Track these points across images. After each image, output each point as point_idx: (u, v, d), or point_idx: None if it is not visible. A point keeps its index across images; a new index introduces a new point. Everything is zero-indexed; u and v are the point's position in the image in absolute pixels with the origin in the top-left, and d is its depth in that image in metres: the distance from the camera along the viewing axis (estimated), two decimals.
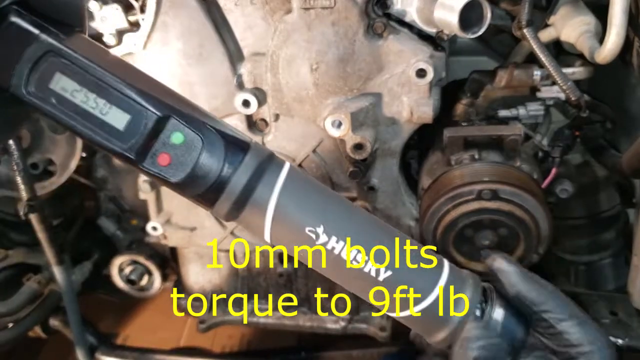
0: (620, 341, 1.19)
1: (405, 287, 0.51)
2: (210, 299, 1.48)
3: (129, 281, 1.53)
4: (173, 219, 1.36)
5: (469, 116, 1.19)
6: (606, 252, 1.39)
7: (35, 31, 0.48)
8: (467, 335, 0.49)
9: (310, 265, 0.53)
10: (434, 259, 0.53)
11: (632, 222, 1.36)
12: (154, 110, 0.49)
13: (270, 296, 1.45)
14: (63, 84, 0.48)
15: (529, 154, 1.18)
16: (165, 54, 1.15)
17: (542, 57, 1.06)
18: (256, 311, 1.47)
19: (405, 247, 0.52)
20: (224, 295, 1.48)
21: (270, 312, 1.47)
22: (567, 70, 1.12)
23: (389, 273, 0.50)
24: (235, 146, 0.50)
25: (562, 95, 1.13)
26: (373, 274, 0.50)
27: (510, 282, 0.52)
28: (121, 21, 1.12)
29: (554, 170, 1.13)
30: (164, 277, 1.56)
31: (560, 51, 1.23)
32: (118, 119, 0.49)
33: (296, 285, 1.43)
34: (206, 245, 1.39)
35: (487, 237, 1.07)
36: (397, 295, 0.51)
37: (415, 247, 0.53)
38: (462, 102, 1.20)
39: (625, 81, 1.18)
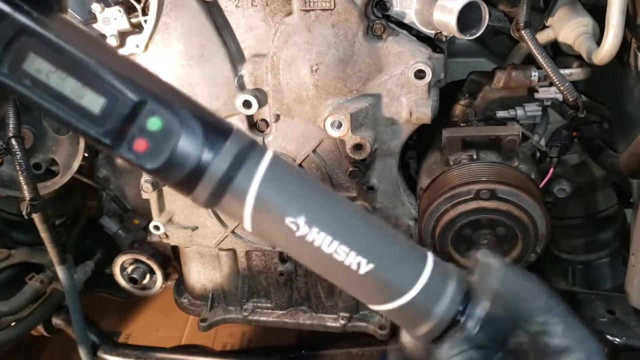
0: (617, 340, 1.20)
1: (387, 280, 0.50)
2: (211, 297, 1.49)
3: (131, 280, 1.54)
4: (175, 218, 1.37)
5: (467, 117, 1.20)
6: (604, 252, 1.39)
7: (7, 9, 0.45)
8: (452, 336, 0.49)
9: (292, 256, 0.52)
10: (418, 252, 0.52)
11: (629, 221, 1.37)
12: (130, 94, 0.47)
13: (270, 295, 1.46)
14: (37, 65, 0.46)
15: (526, 154, 1.19)
16: (167, 55, 1.16)
17: (540, 58, 1.07)
18: (257, 310, 1.48)
19: (388, 240, 0.52)
20: (225, 294, 1.49)
21: (270, 310, 1.48)
22: (565, 71, 1.13)
23: (371, 266, 0.49)
24: (215, 132, 0.48)
25: (559, 96, 1.14)
26: (354, 267, 0.49)
27: (498, 278, 0.51)
28: (123, 23, 1.13)
29: (551, 170, 1.13)
30: (166, 276, 1.57)
31: (558, 52, 1.24)
32: (93, 102, 0.47)
33: (296, 283, 1.44)
34: (208, 245, 1.40)
35: (485, 236, 1.08)
36: (379, 289, 0.50)
37: (399, 240, 0.52)
38: (461, 103, 1.21)
39: (622, 82, 1.19)
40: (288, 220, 0.48)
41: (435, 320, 0.50)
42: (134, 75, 0.48)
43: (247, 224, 0.49)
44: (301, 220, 0.48)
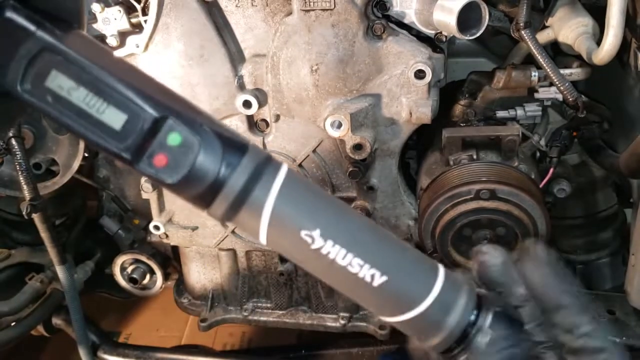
0: (617, 340, 1.20)
1: (400, 292, 0.51)
2: (211, 297, 1.49)
3: (131, 280, 1.54)
4: (175, 218, 1.37)
5: (467, 117, 1.20)
6: (603, 252, 1.40)
7: (32, 27, 0.46)
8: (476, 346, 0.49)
9: (306, 269, 0.53)
10: (429, 264, 0.53)
11: (629, 221, 1.37)
12: (151, 111, 0.47)
13: (270, 295, 1.46)
14: (59, 82, 0.47)
15: (526, 154, 1.19)
16: (167, 55, 1.16)
17: (540, 58, 1.07)
18: (257, 310, 1.48)
19: (401, 252, 0.52)
20: (225, 294, 1.49)
21: (270, 310, 1.48)
22: (565, 72, 1.13)
23: (384, 279, 0.50)
24: (233, 148, 0.49)
25: (559, 96, 1.14)
26: (368, 279, 0.50)
27: (531, 277, 0.51)
28: (123, 23, 1.13)
29: (551, 170, 1.14)
30: (166, 276, 1.57)
31: (557, 52, 1.24)
32: (115, 118, 0.47)
33: (296, 283, 1.44)
34: (208, 245, 1.40)
35: (485, 236, 1.08)
36: (392, 301, 0.51)
37: (411, 252, 0.53)
38: (461, 103, 1.21)
39: (622, 82, 1.19)
40: (303, 234, 0.49)
41: (447, 332, 0.50)
42: (154, 91, 0.49)
43: (263, 238, 0.50)
44: (316, 234, 0.49)
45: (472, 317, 0.51)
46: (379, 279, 0.50)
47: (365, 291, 0.50)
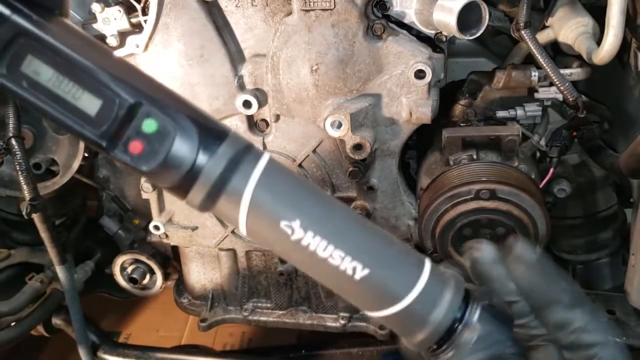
0: (617, 340, 1.19)
1: (383, 286, 0.49)
2: (211, 297, 1.49)
3: (131, 280, 1.54)
4: (175, 218, 1.37)
5: (467, 117, 1.20)
6: (603, 252, 1.40)
7: (6, 12, 0.46)
8: (461, 342, 0.49)
9: (287, 260, 0.51)
10: (415, 258, 0.51)
11: (629, 221, 1.37)
12: (126, 96, 0.47)
13: (270, 295, 1.46)
14: (35, 67, 0.47)
15: (526, 154, 1.19)
16: (167, 55, 1.16)
17: (540, 58, 1.07)
18: (257, 310, 1.48)
19: (385, 245, 0.51)
20: (225, 294, 1.49)
21: (270, 310, 1.48)
22: (565, 71, 1.13)
23: (367, 271, 0.48)
24: (211, 135, 0.48)
25: (559, 96, 1.14)
26: (350, 272, 0.48)
27: (531, 269, 0.50)
28: (123, 23, 1.13)
29: (551, 170, 1.13)
30: (166, 276, 1.57)
31: (558, 52, 1.24)
32: (90, 104, 0.47)
33: (296, 283, 1.44)
34: (208, 245, 1.40)
35: (485, 236, 1.08)
36: (374, 295, 0.50)
37: (396, 246, 0.52)
38: (461, 103, 1.21)
39: (622, 82, 1.19)
40: (283, 224, 0.48)
41: (432, 327, 0.49)
42: (130, 77, 0.48)
43: (242, 228, 0.49)
44: (296, 224, 0.48)
45: (460, 313, 0.50)
46: (361, 272, 0.48)
47: (347, 284, 0.49)
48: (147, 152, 0.47)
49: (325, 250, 0.48)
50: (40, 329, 1.51)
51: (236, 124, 1.22)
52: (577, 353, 0.48)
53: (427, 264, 0.51)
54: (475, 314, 0.50)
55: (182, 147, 0.47)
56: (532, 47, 1.07)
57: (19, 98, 0.47)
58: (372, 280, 0.49)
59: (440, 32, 1.10)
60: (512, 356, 0.49)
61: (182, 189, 0.48)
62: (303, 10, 1.06)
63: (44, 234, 1.23)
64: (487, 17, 0.99)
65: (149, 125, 0.47)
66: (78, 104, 0.47)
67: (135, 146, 0.47)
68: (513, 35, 1.11)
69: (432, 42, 1.11)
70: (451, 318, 0.49)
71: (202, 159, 0.47)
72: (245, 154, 0.48)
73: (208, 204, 0.49)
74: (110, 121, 0.47)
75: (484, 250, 0.53)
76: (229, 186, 0.48)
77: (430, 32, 1.10)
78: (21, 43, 0.46)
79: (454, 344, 0.49)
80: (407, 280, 0.49)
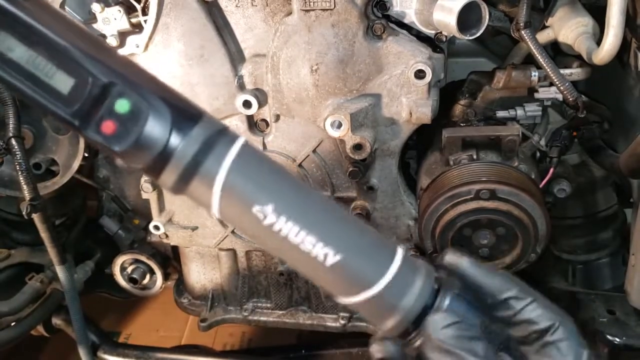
0: (617, 340, 1.19)
1: (353, 272, 0.50)
2: (211, 297, 1.49)
3: (131, 280, 1.54)
4: (175, 218, 1.37)
5: (467, 117, 1.20)
6: (603, 252, 1.39)
7: None
8: (432, 326, 0.49)
9: (259, 245, 0.51)
10: (387, 246, 0.51)
11: (629, 221, 1.37)
12: (99, 76, 0.47)
13: (270, 295, 1.47)
14: (8, 44, 0.46)
15: (526, 154, 1.19)
16: (167, 55, 1.16)
17: (540, 58, 1.07)
18: (257, 310, 1.48)
19: (357, 232, 0.51)
20: (225, 294, 1.49)
21: (270, 310, 1.48)
22: (565, 71, 1.13)
23: (338, 257, 0.49)
24: (184, 117, 0.48)
25: (559, 96, 1.14)
26: (321, 258, 0.48)
27: (468, 273, 0.52)
28: (123, 23, 1.13)
29: (551, 170, 1.13)
30: (166, 276, 1.57)
31: (558, 52, 1.24)
32: (63, 82, 0.47)
33: (296, 283, 1.44)
34: (208, 245, 1.40)
35: (485, 236, 1.08)
36: (345, 281, 0.50)
37: (368, 233, 0.52)
38: (461, 103, 1.21)
39: (622, 82, 1.19)
40: (256, 209, 0.48)
41: (402, 314, 0.50)
42: (104, 57, 0.48)
43: (215, 210, 0.49)
44: (269, 209, 0.48)
45: (430, 300, 0.50)
46: (332, 258, 0.49)
47: (319, 270, 0.50)
48: (119, 132, 0.47)
49: (297, 235, 0.48)
50: (40, 329, 1.51)
51: (236, 124, 1.22)
52: (532, 346, 0.49)
53: (399, 251, 0.51)
54: (445, 301, 0.50)
55: (155, 128, 0.47)
56: (532, 47, 1.07)
57: None
58: (343, 267, 0.49)
59: (440, 32, 1.10)
60: (481, 343, 0.49)
61: (155, 169, 0.48)
62: (303, 10, 1.06)
63: (44, 234, 1.23)
64: (487, 17, 0.99)
65: (122, 106, 0.47)
66: (51, 82, 0.47)
67: (108, 126, 0.47)
68: (513, 35, 1.11)
69: (432, 42, 1.11)
70: (421, 304, 0.50)
71: (174, 140, 0.47)
72: (220, 136, 0.48)
73: (181, 185, 0.49)
74: (82, 100, 0.47)
75: (456, 255, 0.54)
76: (202, 168, 0.48)
77: (430, 32, 1.10)
78: None
79: (423, 331, 0.50)
80: (379, 267, 0.50)
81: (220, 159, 0.48)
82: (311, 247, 0.48)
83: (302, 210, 0.49)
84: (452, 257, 0.53)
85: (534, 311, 0.49)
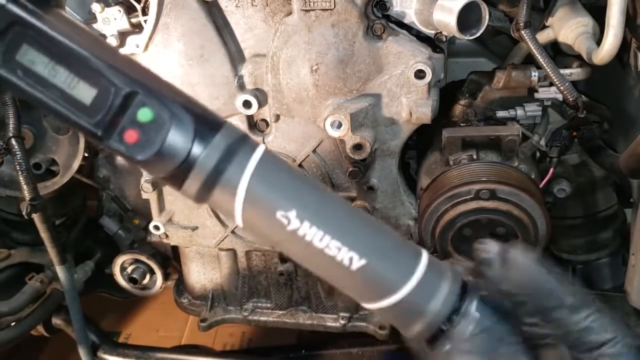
0: (626, 337, 1.19)
1: (379, 276, 0.49)
2: (211, 297, 1.49)
3: (131, 280, 1.54)
4: (175, 218, 1.37)
5: (467, 117, 1.20)
6: (603, 252, 1.40)
7: (2, 1, 0.46)
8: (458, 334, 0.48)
9: (282, 252, 0.51)
10: (412, 248, 0.51)
11: (629, 221, 1.37)
12: (121, 85, 0.47)
13: (270, 295, 1.47)
14: (30, 57, 0.47)
15: (526, 154, 1.19)
16: (167, 55, 1.16)
17: (540, 58, 1.07)
18: (257, 310, 1.48)
19: (381, 236, 0.51)
20: (225, 294, 1.49)
21: (270, 310, 1.48)
22: (565, 71, 1.13)
23: (363, 262, 0.48)
24: (206, 125, 0.48)
25: (559, 96, 1.14)
26: (346, 262, 0.48)
27: (526, 274, 0.50)
28: (123, 23, 1.13)
29: (551, 170, 1.13)
30: (166, 276, 1.57)
31: (558, 52, 1.24)
32: (85, 93, 0.47)
33: (296, 283, 1.44)
34: (208, 245, 1.40)
35: (485, 236, 1.08)
36: (371, 285, 0.49)
37: (393, 237, 0.51)
38: (461, 103, 1.21)
39: (622, 82, 1.19)
40: (279, 214, 0.48)
41: (429, 319, 0.49)
42: (126, 66, 0.48)
43: (238, 218, 0.49)
44: (292, 214, 0.48)
45: (457, 304, 0.49)
46: (358, 263, 0.48)
47: (344, 275, 0.49)
48: (142, 141, 0.47)
49: (321, 240, 0.48)
50: (40, 329, 1.51)
51: (236, 124, 1.21)
52: (586, 354, 0.48)
53: (424, 255, 0.51)
54: (472, 305, 0.49)
55: (178, 137, 0.47)
56: (532, 47, 1.07)
57: (14, 88, 0.47)
58: (369, 271, 0.49)
59: (440, 32, 1.10)
60: (510, 347, 0.49)
61: (177, 179, 0.48)
62: (303, 10, 1.06)
63: (44, 234, 1.23)
64: (487, 17, 0.99)
65: (145, 115, 0.47)
66: (73, 93, 0.47)
67: (131, 135, 0.47)
68: (513, 35, 1.11)
69: (432, 42, 1.11)
70: (448, 309, 0.49)
71: (197, 149, 0.47)
72: (241, 144, 0.48)
73: (203, 194, 0.48)
74: (105, 110, 0.47)
75: (490, 252, 0.52)
76: (224, 177, 0.48)
77: (430, 32, 1.10)
78: (16, 32, 0.46)
79: (451, 335, 0.49)
80: (404, 270, 0.49)
81: (242, 167, 0.48)
82: (336, 251, 0.48)
83: (326, 215, 0.49)
84: (517, 254, 0.51)
85: (596, 321, 0.49)
